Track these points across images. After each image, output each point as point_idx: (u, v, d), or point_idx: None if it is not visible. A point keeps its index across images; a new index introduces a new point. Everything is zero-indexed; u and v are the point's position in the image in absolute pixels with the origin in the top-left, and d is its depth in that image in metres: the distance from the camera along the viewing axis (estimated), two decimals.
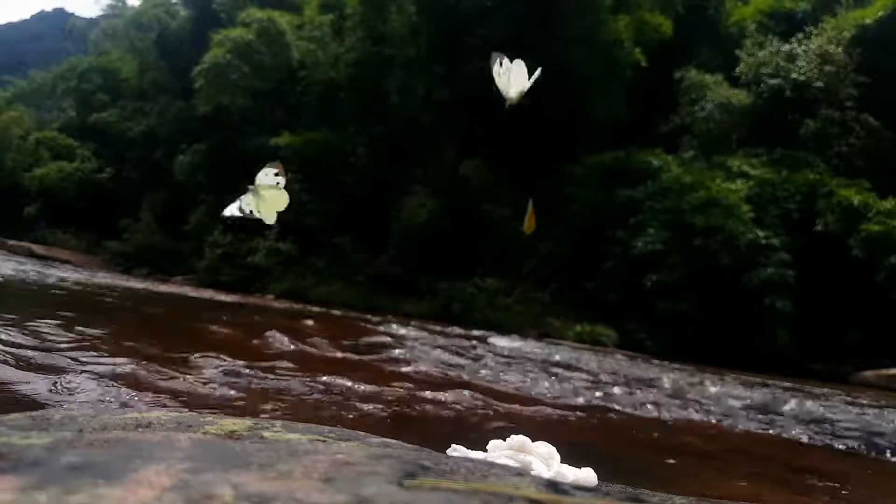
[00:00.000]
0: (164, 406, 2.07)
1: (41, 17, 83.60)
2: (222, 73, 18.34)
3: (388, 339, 5.96)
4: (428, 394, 3.02)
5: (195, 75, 18.66)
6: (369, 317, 9.97)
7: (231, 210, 1.49)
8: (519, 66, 1.54)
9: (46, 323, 3.30)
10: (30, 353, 2.49)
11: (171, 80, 23.04)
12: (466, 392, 3.37)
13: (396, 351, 4.90)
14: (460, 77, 17.03)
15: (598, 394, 4.11)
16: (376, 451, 0.74)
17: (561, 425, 2.96)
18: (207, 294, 12.02)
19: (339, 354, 4.27)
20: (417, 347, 5.49)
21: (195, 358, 2.95)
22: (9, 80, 33.56)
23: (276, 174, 1.46)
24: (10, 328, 2.95)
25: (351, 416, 2.34)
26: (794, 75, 15.40)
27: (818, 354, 12.33)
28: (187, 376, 2.56)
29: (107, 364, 2.56)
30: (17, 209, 24.98)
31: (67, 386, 2.09)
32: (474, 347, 6.47)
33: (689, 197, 13.80)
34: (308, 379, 2.91)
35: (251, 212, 1.44)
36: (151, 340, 3.17)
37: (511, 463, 0.88)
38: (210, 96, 18.83)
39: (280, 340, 4.25)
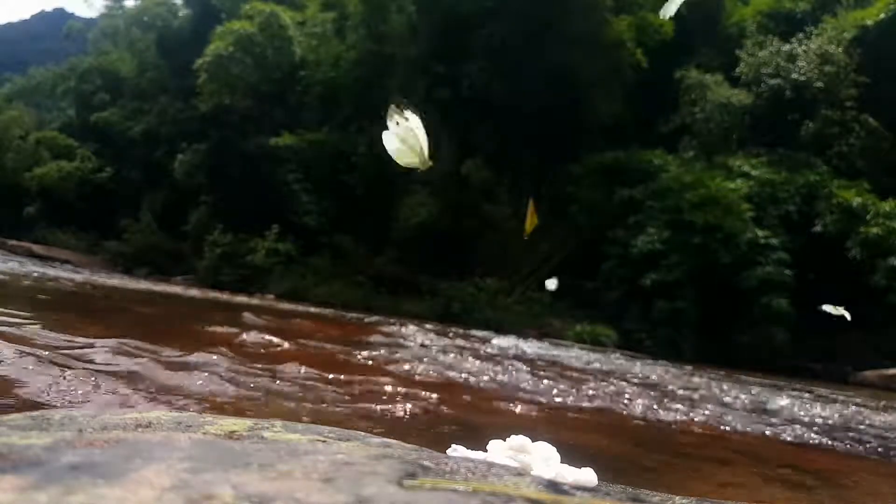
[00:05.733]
0: (164, 405, 2.07)
1: (41, 17, 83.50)
2: (224, 67, 18.27)
3: (387, 340, 5.96)
4: (428, 394, 3.02)
5: (197, 68, 18.59)
6: (369, 317, 9.97)
7: None
8: (415, 121, 1.18)
9: (46, 322, 3.30)
10: (29, 352, 2.49)
11: (172, 80, 23.03)
12: (466, 392, 3.37)
13: (396, 351, 4.90)
14: (460, 77, 17.03)
15: (597, 394, 4.11)
16: (376, 451, 0.74)
17: (561, 425, 2.96)
18: (207, 294, 12.02)
19: (339, 355, 4.27)
20: (417, 348, 5.49)
21: (195, 358, 2.95)
22: (8, 77, 33.53)
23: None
24: (9, 328, 2.95)
25: (351, 416, 2.34)
26: (794, 75, 15.39)
27: (818, 354, 12.33)
28: (187, 376, 2.56)
29: (107, 364, 2.56)
30: (17, 209, 24.96)
31: (67, 385, 2.09)
32: (474, 348, 6.47)
33: (689, 194, 13.82)
34: (308, 379, 2.91)
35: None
36: (151, 340, 3.17)
37: (511, 463, 0.88)
38: (212, 92, 18.77)
39: (279, 340, 4.25)
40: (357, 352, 4.41)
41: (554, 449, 0.96)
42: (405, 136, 1.17)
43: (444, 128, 17.35)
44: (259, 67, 18.55)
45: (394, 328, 7.58)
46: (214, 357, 3.00)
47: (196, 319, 6.14)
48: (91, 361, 2.56)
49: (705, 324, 12.85)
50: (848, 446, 3.43)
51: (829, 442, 3.46)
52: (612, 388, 4.50)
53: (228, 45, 18.25)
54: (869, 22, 15.38)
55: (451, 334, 8.02)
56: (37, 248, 20.07)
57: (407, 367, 4.03)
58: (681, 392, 5.01)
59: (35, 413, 0.87)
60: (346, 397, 2.69)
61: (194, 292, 12.14)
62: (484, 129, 16.81)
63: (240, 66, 18.27)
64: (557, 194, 15.22)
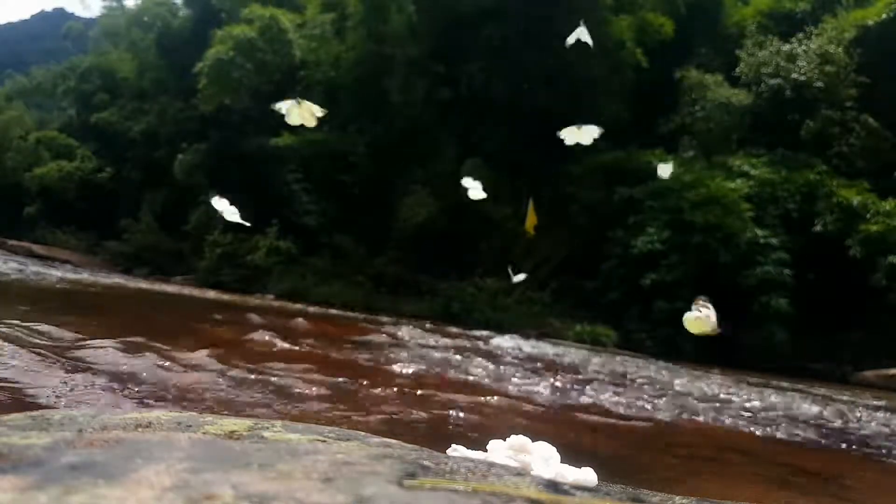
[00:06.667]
0: (164, 405, 2.07)
1: (41, 17, 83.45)
2: (225, 71, 18.27)
3: (387, 339, 5.96)
4: (428, 394, 3.02)
5: (198, 72, 18.59)
6: (369, 317, 9.97)
7: None
8: None
9: (46, 322, 3.29)
10: (29, 352, 2.49)
11: (172, 80, 23.02)
12: (466, 392, 3.37)
13: (396, 351, 4.90)
14: (460, 77, 17.04)
15: (597, 394, 4.11)
16: (376, 451, 0.74)
17: (561, 425, 2.96)
18: (207, 294, 12.02)
19: (339, 355, 4.27)
20: (417, 348, 5.49)
21: (195, 357, 2.95)
22: (9, 73, 33.47)
23: None
24: (10, 327, 2.95)
25: (351, 416, 2.34)
26: (794, 75, 15.38)
27: (818, 354, 12.33)
28: (188, 376, 2.56)
29: (107, 363, 2.56)
30: (17, 209, 24.96)
31: (67, 385, 2.09)
32: (474, 348, 6.47)
33: (689, 194, 13.82)
34: (308, 378, 2.91)
35: None
36: (151, 340, 3.17)
37: (511, 463, 0.88)
38: (213, 95, 18.76)
39: (279, 340, 4.26)
40: (357, 352, 4.41)
41: (554, 449, 0.96)
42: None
43: (444, 128, 17.36)
44: (259, 71, 18.55)
45: (394, 328, 7.57)
46: (215, 357, 3.01)
47: (197, 319, 6.14)
48: (92, 361, 2.56)
49: None
50: (848, 446, 3.43)
51: (829, 441, 3.46)
52: (611, 388, 4.50)
53: (228, 49, 18.25)
54: (869, 22, 15.37)
55: (450, 334, 8.01)
56: (37, 247, 20.07)
57: (406, 366, 4.04)
58: (680, 392, 5.01)
59: (35, 413, 0.87)
60: (346, 397, 2.69)
61: (195, 292, 12.14)
62: (484, 129, 16.80)
63: (240, 70, 18.27)
64: (557, 194, 15.22)
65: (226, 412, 2.10)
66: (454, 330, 9.19)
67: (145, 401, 2.10)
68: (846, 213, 13.12)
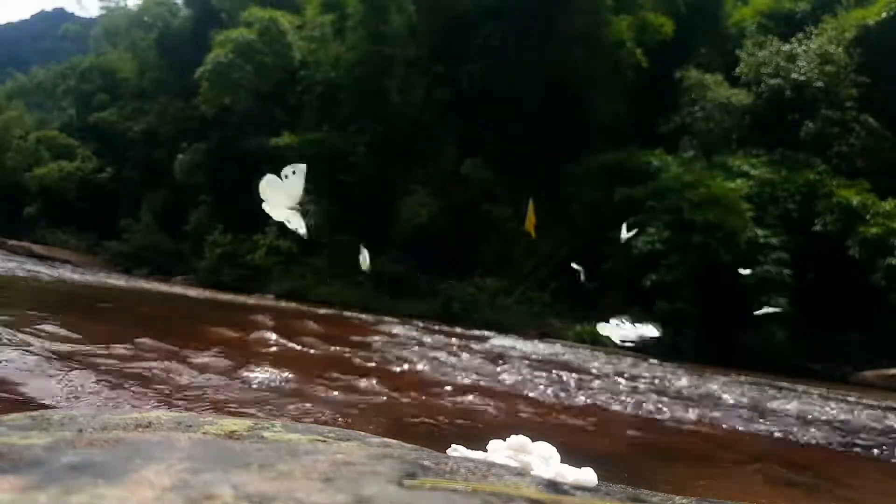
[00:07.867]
0: (165, 405, 2.07)
1: (41, 17, 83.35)
2: (224, 74, 18.31)
3: (387, 339, 5.96)
4: (428, 393, 3.03)
5: (198, 77, 18.61)
6: (369, 317, 9.97)
7: None
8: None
9: (45, 322, 3.29)
10: (30, 352, 2.48)
11: (172, 80, 23.03)
12: (466, 392, 3.37)
13: (395, 351, 4.90)
14: (460, 77, 17.04)
15: (597, 394, 4.11)
16: (376, 451, 0.74)
17: (561, 425, 2.96)
18: (208, 294, 12.02)
19: (338, 355, 4.27)
20: (417, 348, 5.49)
21: (195, 357, 2.95)
22: (9, 71, 33.45)
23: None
24: (10, 327, 2.94)
25: (351, 416, 2.34)
26: (794, 75, 15.38)
27: (818, 354, 12.33)
28: (187, 376, 2.56)
29: (106, 364, 2.56)
30: (17, 209, 24.96)
31: (68, 385, 2.09)
32: (473, 348, 6.47)
33: (689, 194, 13.82)
34: (308, 379, 2.91)
35: None
36: (151, 340, 3.17)
37: (511, 463, 0.88)
38: (213, 97, 18.78)
39: (279, 340, 4.26)
40: (358, 352, 4.41)
41: (554, 449, 0.96)
42: None
43: (444, 128, 17.36)
44: (259, 73, 18.59)
45: (394, 328, 7.57)
46: (215, 356, 3.01)
47: (196, 319, 6.14)
48: (93, 361, 2.56)
49: (705, 324, 12.85)
50: (848, 446, 3.43)
51: (830, 441, 3.46)
52: (611, 387, 4.50)
53: (228, 52, 18.29)
54: (870, 22, 15.36)
55: (451, 334, 8.02)
56: (37, 247, 20.05)
57: (406, 366, 4.04)
58: (680, 392, 5.01)
59: (35, 413, 0.87)
60: (346, 397, 2.69)
61: (195, 292, 12.14)
62: (484, 129, 16.80)
63: (240, 72, 18.31)
64: (557, 194, 15.22)
65: (226, 412, 2.10)
66: (454, 330, 9.19)
67: (145, 401, 2.10)
68: (846, 213, 13.12)
